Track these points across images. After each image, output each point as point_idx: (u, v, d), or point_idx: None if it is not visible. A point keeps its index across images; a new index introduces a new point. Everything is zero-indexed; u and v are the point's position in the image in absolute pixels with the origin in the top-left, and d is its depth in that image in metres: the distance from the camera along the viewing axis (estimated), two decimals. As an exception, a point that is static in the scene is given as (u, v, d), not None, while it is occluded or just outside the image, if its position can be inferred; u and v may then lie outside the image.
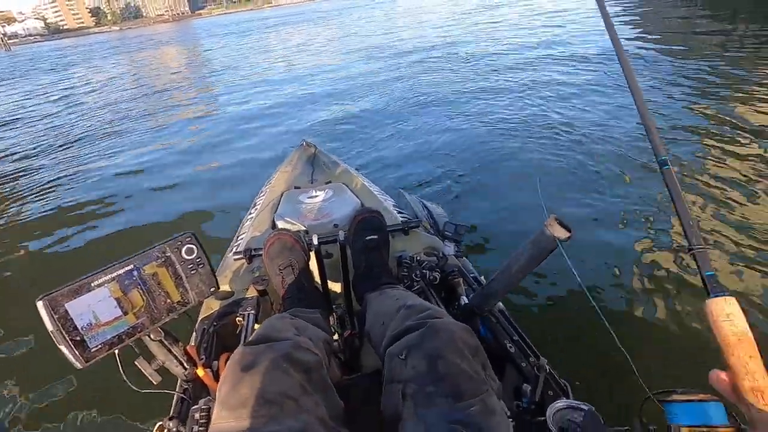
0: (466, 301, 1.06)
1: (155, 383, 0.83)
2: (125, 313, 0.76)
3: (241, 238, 1.53)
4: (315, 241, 1.15)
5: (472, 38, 9.46)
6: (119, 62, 16.93)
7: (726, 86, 4.23)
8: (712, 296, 0.44)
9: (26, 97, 10.49)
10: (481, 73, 6.16)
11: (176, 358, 0.91)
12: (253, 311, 1.12)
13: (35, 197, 3.88)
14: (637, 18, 9.37)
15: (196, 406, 0.84)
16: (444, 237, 1.35)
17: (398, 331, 0.76)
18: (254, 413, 0.60)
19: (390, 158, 3.58)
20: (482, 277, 1.22)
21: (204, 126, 5.63)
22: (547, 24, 9.80)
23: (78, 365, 0.70)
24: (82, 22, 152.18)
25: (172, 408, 0.93)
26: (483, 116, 4.31)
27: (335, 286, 1.34)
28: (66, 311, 0.69)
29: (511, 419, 0.79)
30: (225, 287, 1.27)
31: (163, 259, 0.80)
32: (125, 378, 0.78)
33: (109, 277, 0.75)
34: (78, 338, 0.70)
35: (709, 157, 2.87)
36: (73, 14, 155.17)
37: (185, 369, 0.94)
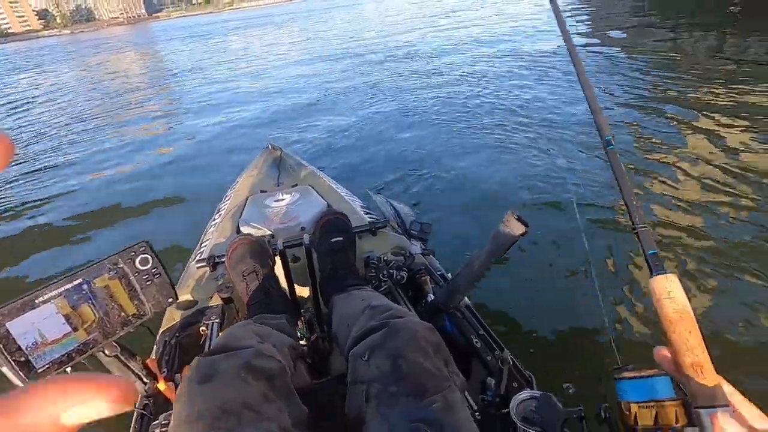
0: (433, 299, 1.07)
1: None
2: (75, 330, 0.72)
3: (205, 245, 1.49)
4: (280, 245, 1.13)
5: (433, 39, 9.59)
6: (72, 67, 16.11)
7: (669, 78, 4.49)
8: (655, 274, 0.45)
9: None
10: (439, 72, 6.26)
11: (134, 372, 0.87)
12: (217, 320, 1.10)
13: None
14: (587, 17, 9.77)
15: (156, 422, 0.81)
16: (410, 236, 1.36)
17: (362, 332, 0.76)
18: (211, 426, 0.58)
19: (357, 159, 3.58)
20: (449, 274, 1.24)
21: (163, 131, 5.44)
22: (506, 23, 10.07)
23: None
24: (29, 26, 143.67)
25: (132, 425, 0.90)
26: (443, 113, 4.38)
27: (303, 290, 1.32)
28: (7, 331, 0.65)
29: (476, 413, 0.81)
30: (187, 296, 1.23)
31: (115, 271, 0.77)
32: None
33: (55, 292, 0.71)
34: (22, 359, 0.66)
35: (652, 141, 3.05)
36: (19, 17, 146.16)
37: (145, 383, 0.90)
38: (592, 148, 3.04)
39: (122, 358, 0.83)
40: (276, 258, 1.17)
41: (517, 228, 0.80)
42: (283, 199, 1.53)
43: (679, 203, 2.32)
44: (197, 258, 1.38)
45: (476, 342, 0.97)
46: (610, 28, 8.03)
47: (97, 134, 5.74)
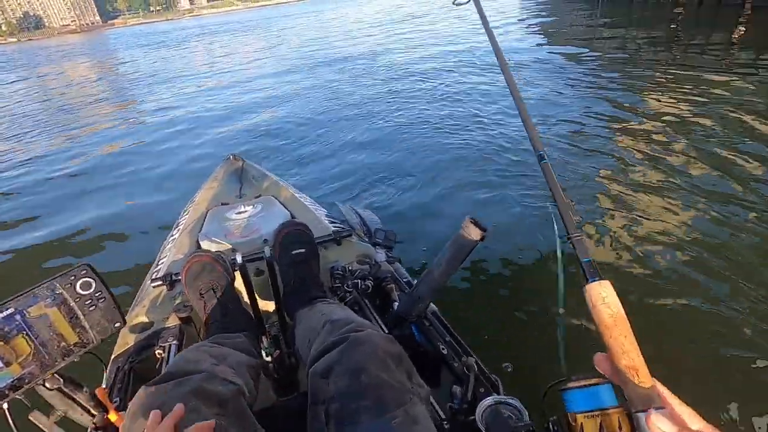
0: (396, 308, 1.06)
1: None
2: (7, 364, 0.66)
3: (162, 263, 1.42)
4: (239, 260, 1.09)
5: (390, 48, 9.69)
6: (19, 77, 15.22)
7: (610, 87, 4.72)
8: (590, 281, 0.46)
9: None
10: (396, 81, 6.33)
11: (81, 405, 0.81)
12: (175, 341, 1.04)
13: None
14: (542, 24, 10.15)
15: None
16: (375, 244, 1.35)
17: (321, 348, 0.74)
18: None
19: (321, 167, 3.55)
20: (415, 281, 1.23)
21: (117, 144, 5.20)
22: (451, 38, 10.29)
23: None
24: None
25: None
26: (404, 120, 4.44)
27: (268, 305, 1.28)
28: (-75, 372, 0.59)
29: (445, 421, 0.80)
30: (142, 318, 1.17)
31: (52, 298, 0.71)
32: None
33: None
34: (-55, 401, 0.60)
35: (585, 151, 3.18)
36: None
37: (93, 416, 0.84)
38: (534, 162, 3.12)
39: (66, 390, 0.77)
40: (236, 273, 1.13)
41: (475, 233, 0.80)
42: (245, 211, 1.49)
43: (610, 211, 2.40)
44: (153, 276, 1.31)
45: (443, 349, 0.97)
46: (563, 36, 8.39)
47: (43, 144, 5.45)
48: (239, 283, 1.16)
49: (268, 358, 1.10)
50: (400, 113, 4.68)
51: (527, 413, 0.74)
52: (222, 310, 1.02)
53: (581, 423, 0.47)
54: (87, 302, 0.75)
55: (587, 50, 6.75)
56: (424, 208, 2.69)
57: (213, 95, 7.30)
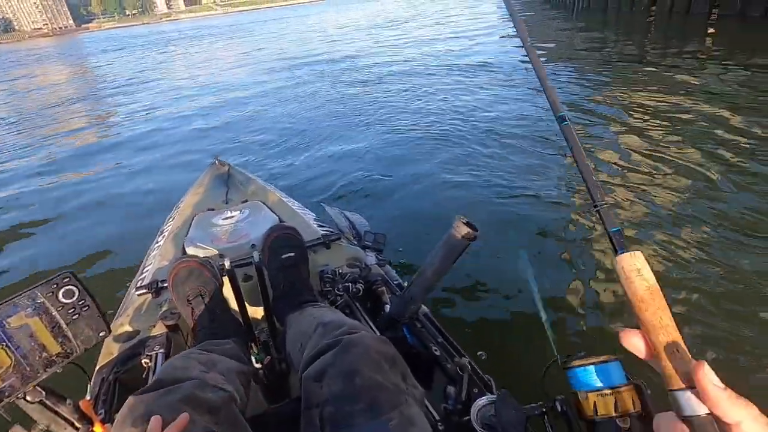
0: (388, 310, 1.06)
1: None
2: (-14, 378, 0.63)
3: (147, 270, 1.39)
4: (227, 265, 1.07)
5: (377, 51, 9.75)
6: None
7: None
8: (620, 252, 0.42)
9: None
10: (385, 82, 6.38)
11: (64, 418, 0.78)
12: (161, 350, 1.02)
13: None
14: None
15: None
16: (365, 247, 1.35)
17: (314, 352, 0.73)
18: None
19: (308, 171, 3.53)
20: (405, 283, 1.23)
21: (97, 149, 5.07)
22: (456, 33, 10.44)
23: None
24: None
25: None
26: (390, 122, 4.46)
27: (257, 310, 1.26)
28: None
29: (439, 422, 0.80)
30: (127, 327, 1.14)
31: (33, 308, 0.69)
32: None
33: None
34: None
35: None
36: None
37: (77, 429, 0.81)
38: (537, 151, 3.19)
39: (48, 403, 0.74)
40: (224, 279, 1.11)
41: (466, 233, 0.81)
42: (231, 217, 1.47)
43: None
44: (138, 284, 1.28)
45: (435, 350, 0.97)
46: (542, 38, 8.58)
47: (19, 151, 5.26)
48: (227, 289, 1.14)
49: (258, 365, 1.08)
50: (386, 117, 4.70)
51: (523, 412, 0.74)
52: (210, 316, 1.00)
53: (594, 402, 0.45)
54: (70, 311, 0.73)
55: (564, 54, 6.94)
56: (412, 209, 2.70)
57: (195, 98, 7.19)
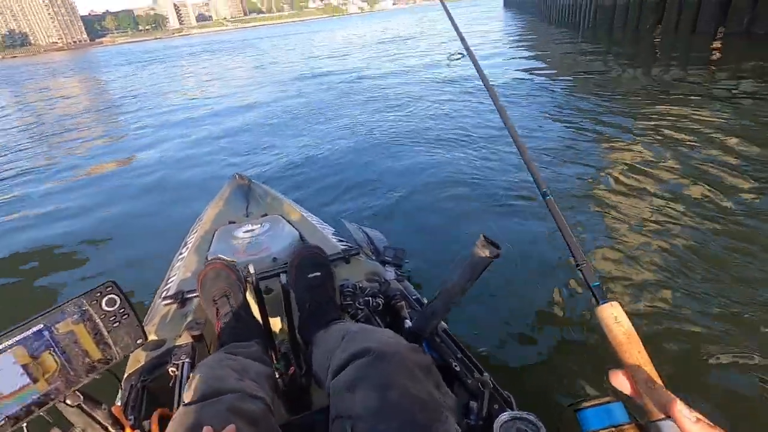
0: (410, 324, 1.08)
1: None
2: (35, 381, 0.66)
3: (171, 281, 1.42)
4: (252, 270, 1.10)
5: (386, 67, 9.91)
6: (7, 94, 15.05)
7: (599, 105, 4.88)
8: (601, 303, 0.49)
9: None
10: (398, 97, 6.46)
11: (99, 423, 0.81)
12: (188, 359, 1.04)
13: None
14: (529, 48, 10.53)
15: None
16: (384, 262, 1.38)
17: (343, 360, 0.73)
18: None
19: (326, 186, 3.55)
20: (424, 299, 1.26)
21: (118, 162, 5.16)
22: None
23: None
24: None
25: None
26: (409, 138, 4.50)
27: (276, 322, 1.29)
28: (-43, 388, 0.59)
29: (463, 437, 0.82)
30: (153, 336, 1.16)
31: (79, 315, 0.72)
32: None
33: (12, 341, 0.65)
34: (-27, 418, 0.60)
35: (584, 178, 3.19)
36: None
37: (111, 435, 0.84)
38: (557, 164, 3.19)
39: (86, 407, 0.77)
40: (248, 285, 1.14)
41: (489, 251, 0.83)
42: (252, 230, 1.50)
43: (612, 238, 2.41)
44: (164, 295, 1.31)
45: (455, 366, 0.99)
46: (547, 57, 8.70)
47: (41, 165, 5.36)
48: (249, 297, 1.17)
49: (278, 376, 1.10)
50: (407, 132, 4.75)
51: (545, 428, 0.75)
52: (235, 317, 1.03)
53: None
54: (111, 319, 0.76)
55: (571, 73, 7.02)
56: (432, 226, 2.69)
57: (211, 114, 7.30)
